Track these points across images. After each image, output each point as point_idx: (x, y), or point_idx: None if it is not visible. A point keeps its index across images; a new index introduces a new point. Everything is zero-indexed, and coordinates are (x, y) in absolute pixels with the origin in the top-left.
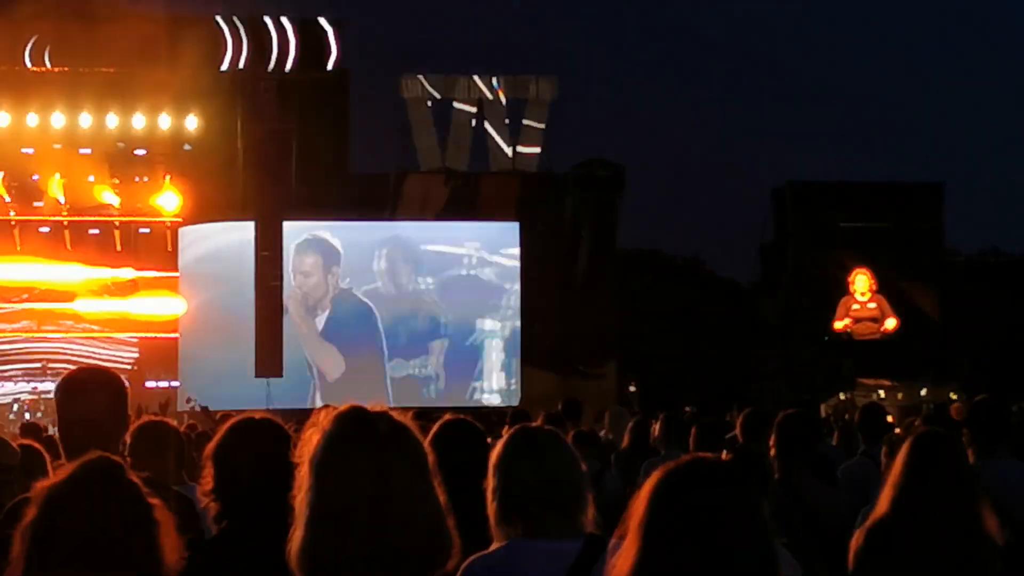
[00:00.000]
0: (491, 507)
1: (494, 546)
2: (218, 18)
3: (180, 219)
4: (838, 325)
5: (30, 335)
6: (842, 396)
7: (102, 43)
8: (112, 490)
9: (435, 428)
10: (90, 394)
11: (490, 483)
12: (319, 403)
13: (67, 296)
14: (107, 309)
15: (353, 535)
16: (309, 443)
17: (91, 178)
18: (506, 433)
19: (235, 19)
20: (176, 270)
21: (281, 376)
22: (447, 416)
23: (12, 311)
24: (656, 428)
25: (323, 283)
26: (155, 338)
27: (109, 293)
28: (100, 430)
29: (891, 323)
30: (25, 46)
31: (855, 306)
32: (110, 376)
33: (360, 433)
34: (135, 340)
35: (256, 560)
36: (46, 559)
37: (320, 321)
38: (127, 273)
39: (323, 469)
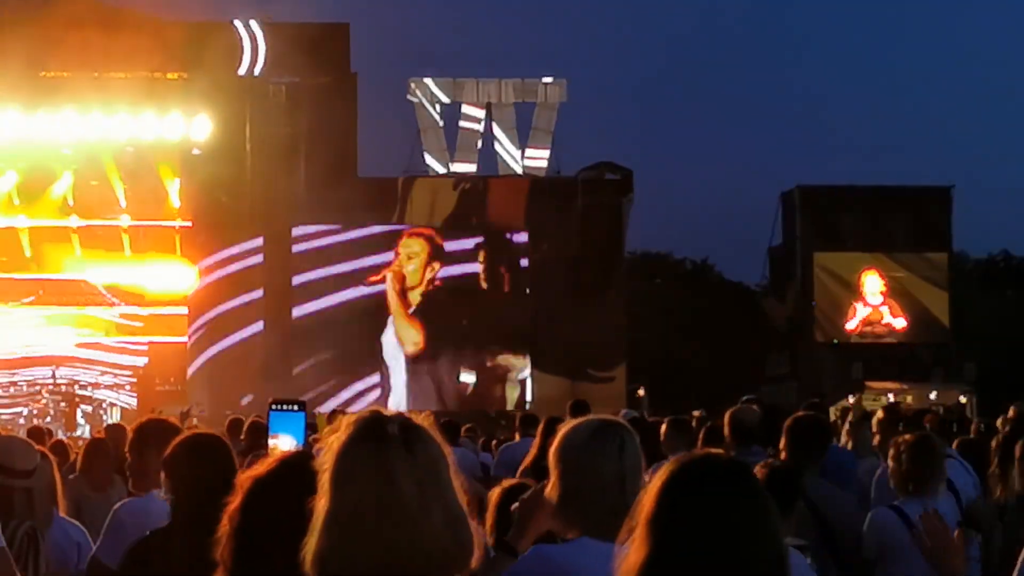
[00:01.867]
0: (555, 499)
1: (560, 538)
2: (227, 24)
3: (189, 223)
4: (850, 325)
5: (39, 340)
6: (851, 399)
7: (112, 49)
8: (309, 481)
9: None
10: None
11: (554, 475)
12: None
13: (76, 299)
14: (116, 312)
15: (361, 541)
16: (330, 450)
17: (100, 182)
18: (571, 421)
19: (244, 24)
20: (184, 271)
21: (288, 381)
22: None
23: (21, 315)
24: (662, 432)
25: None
26: (164, 343)
27: (119, 297)
28: None
29: (900, 323)
30: (36, 52)
31: (866, 308)
32: None
33: (367, 437)
34: (144, 345)
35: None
36: (247, 543)
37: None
38: (136, 275)
39: (336, 475)
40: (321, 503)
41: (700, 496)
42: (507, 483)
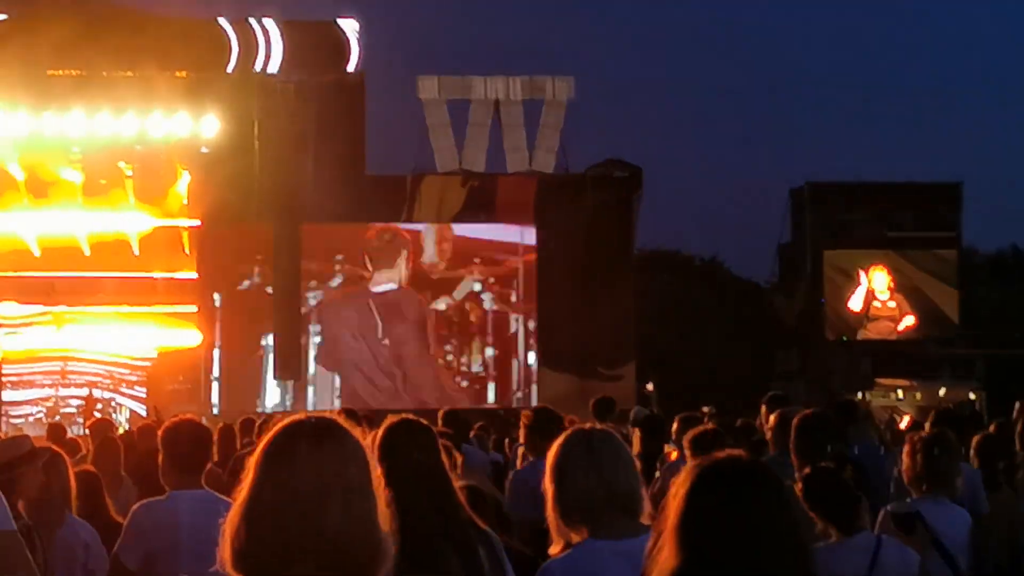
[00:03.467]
0: (552, 511)
1: (557, 548)
2: (236, 21)
3: (198, 222)
4: (853, 305)
5: (50, 337)
6: (860, 396)
7: (121, 47)
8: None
9: (381, 432)
10: None
11: (549, 487)
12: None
13: (84, 298)
14: (126, 312)
15: (259, 522)
16: (261, 440)
17: (109, 181)
18: (562, 436)
19: (252, 22)
20: (193, 272)
21: (300, 379)
22: (391, 418)
23: (32, 314)
24: (673, 429)
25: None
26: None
27: (128, 298)
28: None
29: (909, 320)
30: (43, 50)
31: (875, 304)
32: None
33: (284, 432)
34: (153, 345)
35: None
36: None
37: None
38: (145, 275)
39: (259, 466)
40: (237, 490)
41: (725, 498)
42: None
